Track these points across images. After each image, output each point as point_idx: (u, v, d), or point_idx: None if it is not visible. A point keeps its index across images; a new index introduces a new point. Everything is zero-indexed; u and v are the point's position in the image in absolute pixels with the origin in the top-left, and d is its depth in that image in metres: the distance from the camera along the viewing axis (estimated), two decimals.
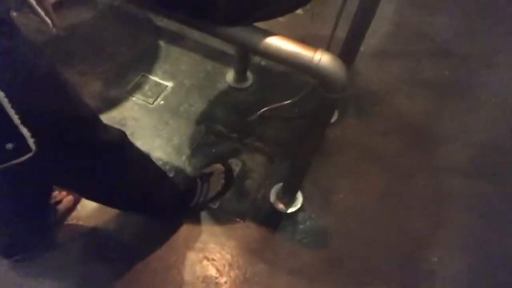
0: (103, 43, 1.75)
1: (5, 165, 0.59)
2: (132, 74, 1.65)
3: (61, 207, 1.24)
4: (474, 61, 1.87)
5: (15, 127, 0.56)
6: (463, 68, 1.84)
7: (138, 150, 0.96)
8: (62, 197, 1.25)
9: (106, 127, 0.80)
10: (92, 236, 1.23)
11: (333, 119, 1.56)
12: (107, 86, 1.60)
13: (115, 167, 0.86)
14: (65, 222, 1.25)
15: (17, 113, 0.55)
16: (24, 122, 0.56)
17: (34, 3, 0.68)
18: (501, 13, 2.13)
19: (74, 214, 1.26)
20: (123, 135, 0.86)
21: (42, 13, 0.71)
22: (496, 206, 1.40)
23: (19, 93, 0.55)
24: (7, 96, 0.53)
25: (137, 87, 1.61)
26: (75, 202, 1.28)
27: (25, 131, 0.57)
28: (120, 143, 0.85)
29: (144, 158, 1.01)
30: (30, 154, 0.60)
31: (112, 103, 1.55)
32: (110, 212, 1.27)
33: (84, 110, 0.72)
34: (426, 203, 1.39)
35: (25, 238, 1.14)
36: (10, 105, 0.53)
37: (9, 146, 0.57)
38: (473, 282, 1.22)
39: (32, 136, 0.58)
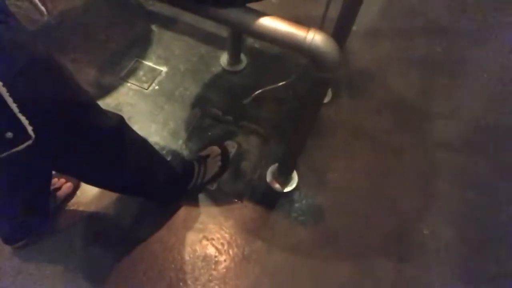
0: (95, 30, 1.74)
1: (5, 153, 0.59)
2: (126, 60, 1.64)
3: (60, 193, 1.25)
4: (466, 38, 1.89)
5: (14, 116, 0.56)
6: (455, 45, 1.85)
7: (136, 133, 0.97)
8: (61, 183, 1.27)
9: (104, 112, 0.81)
10: (92, 221, 1.26)
11: (327, 99, 1.57)
12: (101, 72, 1.60)
13: (114, 151, 0.87)
14: (65, 208, 1.27)
15: (15, 101, 0.55)
16: (22, 111, 0.56)
17: None
18: None
19: (73, 200, 1.28)
20: (121, 119, 0.87)
21: (37, 1, 0.71)
22: (486, 179, 1.43)
23: (18, 81, 0.55)
24: (5, 85, 0.53)
25: (132, 73, 1.61)
26: (75, 188, 1.29)
27: (23, 119, 0.57)
28: (119, 127, 0.86)
29: (142, 142, 1.02)
30: (29, 142, 0.60)
31: (107, 90, 1.55)
32: (109, 197, 1.29)
33: (81, 95, 0.73)
34: (418, 178, 1.42)
35: (26, 225, 1.16)
36: (8, 94, 0.53)
37: (9, 135, 0.57)
38: (465, 254, 1.26)
39: (30, 124, 0.58)
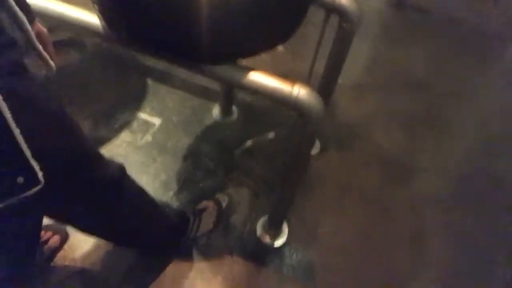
0: (92, 84, 1.79)
1: (15, 198, 0.60)
2: (120, 113, 1.68)
3: (47, 247, 1.22)
4: (448, 92, 1.97)
5: (27, 161, 0.58)
6: (438, 99, 1.92)
7: (135, 182, 0.99)
8: (48, 236, 1.24)
9: (106, 160, 0.84)
10: (79, 278, 1.21)
11: (316, 151, 1.60)
12: (95, 125, 1.62)
13: (115, 199, 0.89)
14: (52, 263, 1.23)
15: (29, 147, 0.57)
16: (34, 156, 0.58)
17: (41, 47, 0.72)
18: (468, 45, 2.26)
19: (60, 254, 1.24)
20: (123, 168, 0.90)
21: (48, 57, 0.75)
22: (476, 235, 1.43)
23: (33, 129, 0.58)
24: (22, 132, 0.55)
25: (125, 125, 1.63)
26: (62, 242, 1.26)
27: (35, 164, 0.59)
28: (120, 175, 0.89)
29: (141, 190, 1.03)
30: (39, 186, 0.61)
31: (100, 141, 1.56)
32: (97, 253, 1.26)
33: (87, 145, 0.77)
34: (407, 235, 1.41)
35: (14, 280, 1.11)
36: (23, 140, 0.56)
37: (20, 179, 0.58)
38: None
39: (41, 169, 0.60)
